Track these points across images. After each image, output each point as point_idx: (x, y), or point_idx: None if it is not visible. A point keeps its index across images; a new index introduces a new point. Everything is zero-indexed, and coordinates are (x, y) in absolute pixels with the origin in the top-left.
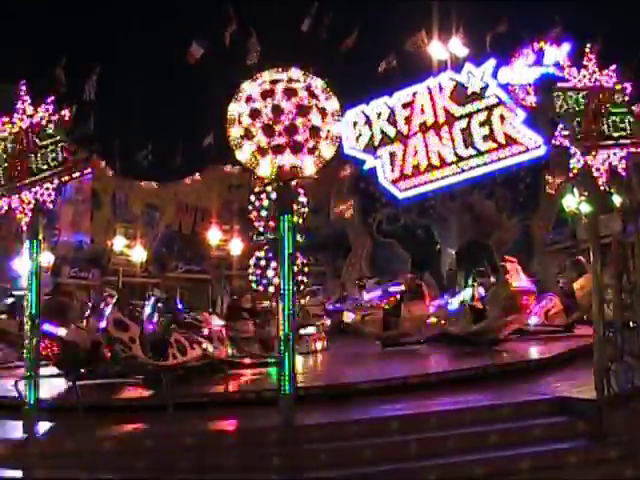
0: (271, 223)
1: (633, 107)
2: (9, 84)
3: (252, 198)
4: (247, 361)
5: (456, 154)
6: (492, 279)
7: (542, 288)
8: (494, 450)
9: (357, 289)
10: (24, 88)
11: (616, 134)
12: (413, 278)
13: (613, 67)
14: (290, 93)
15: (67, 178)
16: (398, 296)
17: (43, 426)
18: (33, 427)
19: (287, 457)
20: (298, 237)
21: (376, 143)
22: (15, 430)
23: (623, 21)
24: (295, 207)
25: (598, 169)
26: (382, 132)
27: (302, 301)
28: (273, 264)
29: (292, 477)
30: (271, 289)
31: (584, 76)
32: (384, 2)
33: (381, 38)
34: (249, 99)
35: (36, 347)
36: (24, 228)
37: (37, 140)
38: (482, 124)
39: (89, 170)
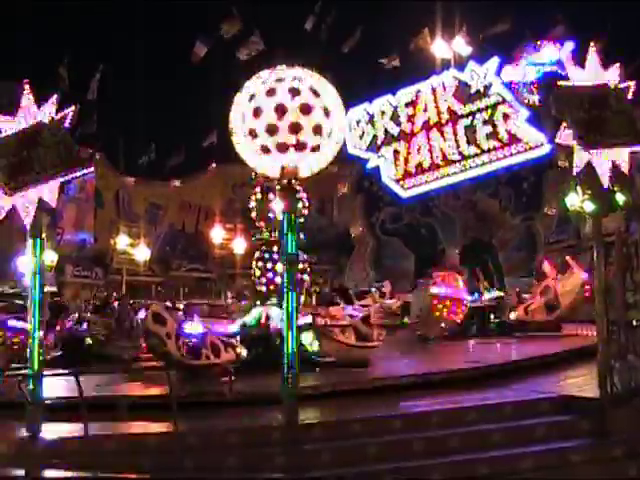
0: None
1: (637, 105)
2: (12, 83)
3: (253, 197)
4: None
5: (459, 152)
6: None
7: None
8: (497, 449)
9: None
10: (27, 87)
11: (620, 133)
12: None
13: (617, 65)
14: (294, 92)
15: (70, 177)
16: None
17: (46, 425)
18: (36, 426)
19: (290, 456)
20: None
21: (379, 142)
22: (18, 429)
23: (627, 19)
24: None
25: (602, 168)
26: (385, 131)
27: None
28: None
29: (295, 476)
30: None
31: (588, 74)
32: (387, 0)
33: (385, 36)
34: (252, 98)
35: (39, 346)
36: (27, 227)
37: (40, 139)
38: (485, 122)
39: (92, 169)
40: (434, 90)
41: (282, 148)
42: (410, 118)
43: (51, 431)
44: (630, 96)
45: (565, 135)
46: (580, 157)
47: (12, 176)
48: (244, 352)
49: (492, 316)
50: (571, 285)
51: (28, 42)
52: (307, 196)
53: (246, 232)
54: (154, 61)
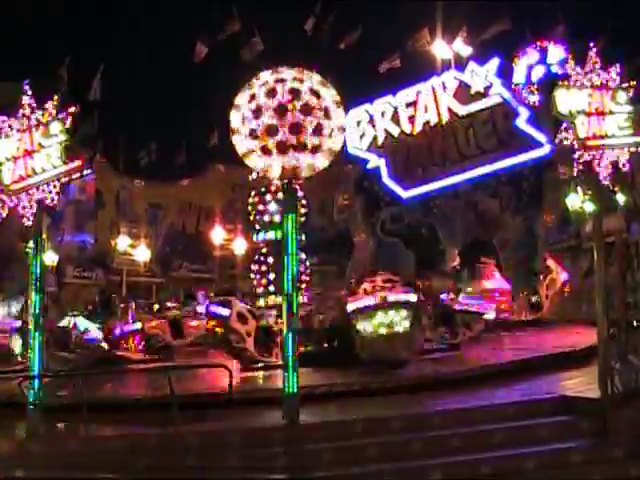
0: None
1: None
2: (13, 83)
3: (253, 198)
4: None
5: (460, 153)
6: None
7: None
8: (499, 449)
9: None
10: (28, 87)
11: (620, 133)
12: None
13: (617, 66)
14: (294, 92)
15: (71, 178)
16: None
17: (47, 425)
18: (37, 426)
19: (291, 456)
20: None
21: (380, 142)
22: (19, 429)
23: (627, 20)
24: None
25: (602, 168)
26: (386, 131)
27: None
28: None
29: (296, 476)
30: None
31: (588, 75)
32: (388, 1)
33: (385, 37)
34: (253, 98)
35: (40, 346)
36: (28, 228)
37: (41, 140)
38: (486, 123)
39: (92, 170)
40: (434, 91)
41: (282, 148)
42: (410, 119)
43: (52, 431)
44: (630, 96)
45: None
46: (580, 157)
47: (13, 177)
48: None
49: None
50: (553, 287)
51: (28, 42)
52: (307, 196)
53: (246, 233)
54: (154, 61)
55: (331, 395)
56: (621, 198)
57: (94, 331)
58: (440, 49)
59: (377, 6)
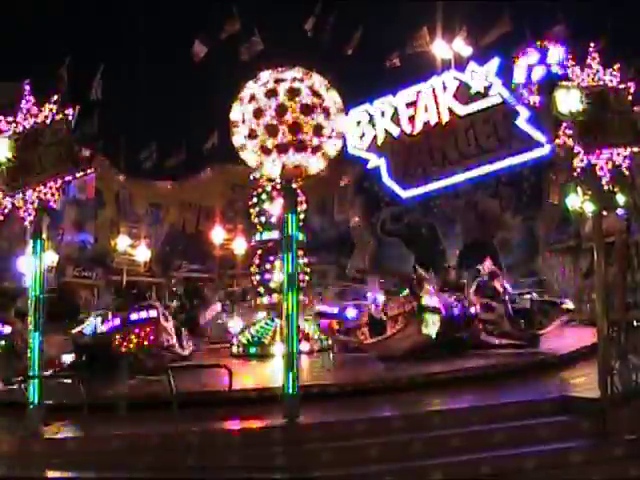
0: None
1: (636, 106)
2: (13, 83)
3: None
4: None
5: (460, 153)
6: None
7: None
8: (499, 449)
9: None
10: (28, 87)
11: (620, 133)
12: None
13: (617, 66)
14: (294, 92)
15: (71, 177)
16: None
17: (47, 425)
18: (37, 426)
19: (290, 456)
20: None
21: (380, 142)
22: (20, 429)
23: (627, 20)
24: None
25: (602, 168)
26: (386, 131)
27: None
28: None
29: (296, 476)
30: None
31: (588, 75)
32: (388, 1)
33: (385, 37)
34: (253, 98)
35: (40, 346)
36: (28, 227)
37: (41, 139)
38: (486, 123)
39: (92, 169)
40: (434, 91)
41: (282, 148)
42: (410, 119)
43: (51, 431)
44: (630, 97)
45: (565, 136)
46: (580, 158)
47: (13, 176)
48: None
49: None
50: None
51: (28, 42)
52: (307, 196)
53: (247, 232)
54: (154, 61)
55: (331, 395)
56: (621, 198)
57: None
58: (440, 49)
59: (377, 6)
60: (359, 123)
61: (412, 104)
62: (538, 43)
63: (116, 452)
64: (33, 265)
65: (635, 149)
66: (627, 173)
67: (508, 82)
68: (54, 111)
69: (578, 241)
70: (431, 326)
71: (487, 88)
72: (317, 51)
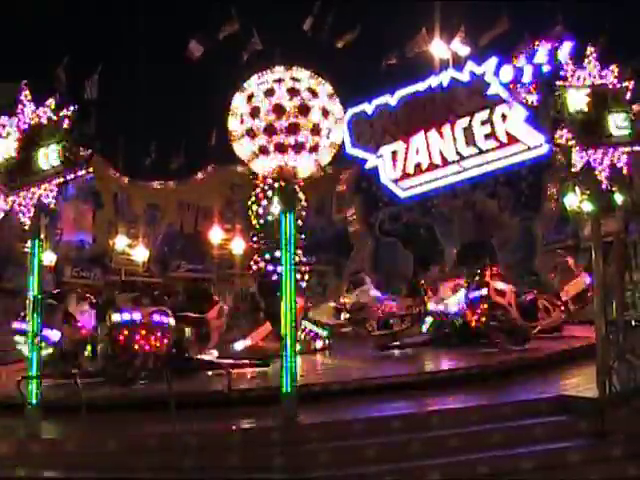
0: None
1: (634, 106)
2: (12, 84)
3: (252, 198)
4: None
5: (458, 153)
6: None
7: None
8: (497, 449)
9: None
10: (26, 87)
11: (617, 133)
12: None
13: (614, 66)
14: (292, 92)
15: (69, 178)
16: None
17: (46, 425)
18: (36, 427)
19: (288, 456)
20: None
21: (378, 142)
22: (18, 430)
23: (625, 20)
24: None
25: (600, 168)
26: (384, 131)
27: None
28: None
29: (294, 477)
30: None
31: (585, 75)
32: (387, 0)
33: (383, 36)
34: (251, 98)
35: (38, 347)
36: (26, 228)
37: (39, 140)
38: (484, 123)
39: (91, 170)
40: (433, 90)
41: (280, 148)
42: (408, 118)
43: (50, 431)
44: (628, 96)
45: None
46: (579, 157)
47: (11, 177)
48: None
49: None
50: (574, 290)
51: (27, 42)
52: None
53: (245, 233)
54: (154, 61)
55: (330, 394)
56: (619, 198)
57: None
58: (438, 49)
59: (375, 6)
60: (357, 123)
61: (410, 104)
62: (536, 43)
63: (116, 452)
64: (32, 266)
65: (632, 148)
66: (625, 172)
67: (506, 82)
68: (52, 111)
69: (576, 241)
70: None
71: (485, 88)
72: (316, 51)
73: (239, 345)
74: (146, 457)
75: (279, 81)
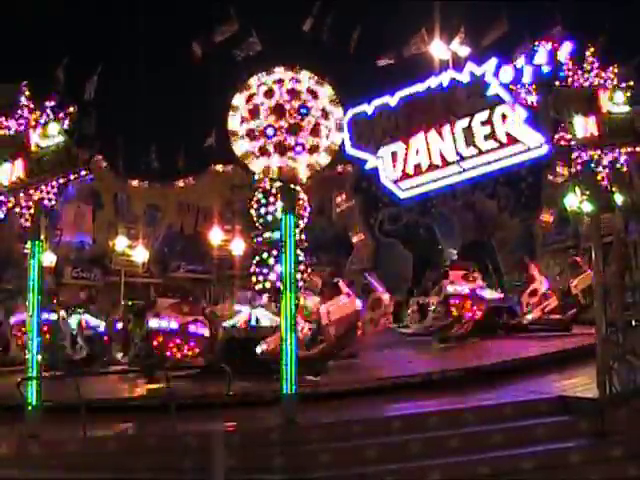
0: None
1: (634, 107)
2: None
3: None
4: None
5: (458, 153)
6: None
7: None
8: (497, 449)
9: None
10: (26, 88)
11: (618, 133)
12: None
13: (614, 66)
14: (292, 93)
15: (69, 179)
16: None
17: (45, 426)
18: (36, 427)
19: (289, 457)
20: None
21: (378, 143)
22: (18, 430)
23: (624, 20)
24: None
25: (600, 168)
26: (384, 131)
27: None
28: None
29: (294, 477)
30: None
31: (585, 75)
32: (386, 0)
33: (383, 37)
34: (251, 99)
35: (37, 347)
36: (26, 228)
37: (39, 140)
38: (483, 123)
39: (90, 170)
40: (432, 91)
41: (280, 149)
42: (408, 119)
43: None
44: (628, 97)
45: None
46: (578, 158)
47: (10, 178)
48: None
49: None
50: (584, 284)
51: (27, 43)
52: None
53: (245, 233)
54: (152, 62)
55: (330, 395)
56: (619, 198)
57: None
58: (438, 50)
59: (375, 6)
60: (357, 123)
61: (410, 104)
62: (536, 43)
63: (115, 453)
64: (31, 266)
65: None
66: (625, 172)
67: (506, 82)
68: (52, 112)
69: (576, 241)
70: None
71: (485, 88)
72: (316, 52)
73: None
74: (147, 457)
75: (279, 82)
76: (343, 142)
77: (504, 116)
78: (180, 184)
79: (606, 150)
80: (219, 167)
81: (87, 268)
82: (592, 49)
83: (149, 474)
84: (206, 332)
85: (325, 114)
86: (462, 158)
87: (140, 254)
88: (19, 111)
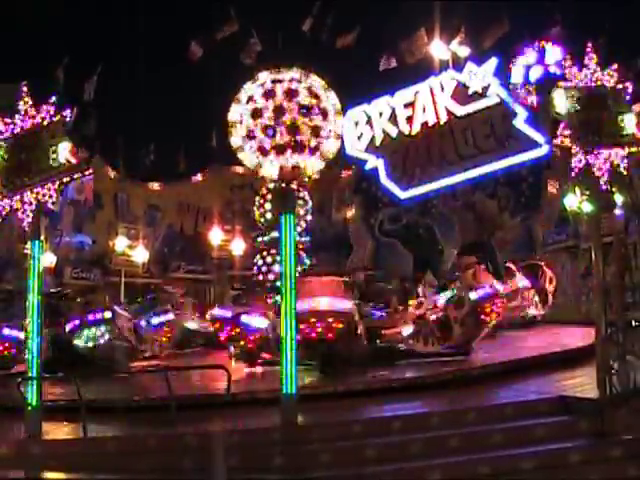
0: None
1: (634, 106)
2: (11, 85)
3: (256, 199)
4: None
5: (458, 153)
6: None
7: None
8: (497, 449)
9: None
10: (26, 89)
11: (617, 133)
12: None
13: (614, 66)
14: (291, 93)
15: (69, 179)
16: None
17: (45, 427)
18: (35, 428)
19: (289, 457)
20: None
21: (378, 143)
22: (18, 430)
23: (624, 20)
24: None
25: (600, 168)
26: (384, 132)
27: None
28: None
29: (294, 477)
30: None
31: (585, 75)
32: (387, 1)
33: (383, 37)
34: (250, 99)
35: (38, 348)
36: (26, 229)
37: (39, 141)
38: (484, 123)
39: (90, 171)
40: (432, 91)
41: (280, 149)
42: (408, 119)
43: (50, 432)
44: (628, 97)
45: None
46: (578, 158)
47: (11, 178)
48: None
49: None
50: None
51: (27, 43)
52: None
53: (245, 234)
54: (152, 62)
55: (330, 395)
56: (619, 198)
57: None
58: (438, 49)
59: (375, 6)
60: (357, 123)
61: (410, 104)
62: (536, 43)
63: (114, 454)
64: (32, 267)
65: (633, 149)
66: (625, 173)
67: (506, 82)
68: (52, 112)
69: (576, 241)
70: None
71: (485, 88)
72: (315, 52)
73: None
74: (147, 458)
75: (279, 82)
76: (343, 142)
77: (504, 116)
78: (180, 184)
79: (606, 150)
80: (219, 167)
81: (87, 269)
82: (592, 49)
83: (149, 474)
84: (254, 322)
85: (325, 114)
86: (462, 158)
87: (140, 254)
88: (19, 111)
